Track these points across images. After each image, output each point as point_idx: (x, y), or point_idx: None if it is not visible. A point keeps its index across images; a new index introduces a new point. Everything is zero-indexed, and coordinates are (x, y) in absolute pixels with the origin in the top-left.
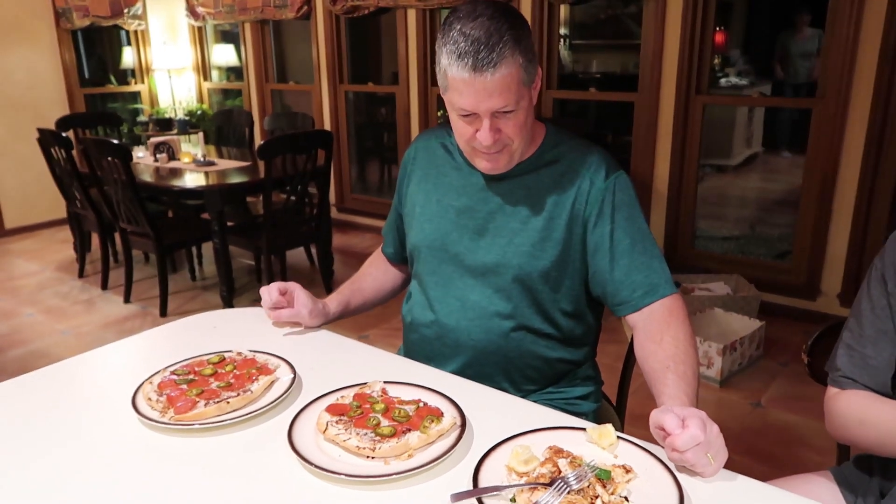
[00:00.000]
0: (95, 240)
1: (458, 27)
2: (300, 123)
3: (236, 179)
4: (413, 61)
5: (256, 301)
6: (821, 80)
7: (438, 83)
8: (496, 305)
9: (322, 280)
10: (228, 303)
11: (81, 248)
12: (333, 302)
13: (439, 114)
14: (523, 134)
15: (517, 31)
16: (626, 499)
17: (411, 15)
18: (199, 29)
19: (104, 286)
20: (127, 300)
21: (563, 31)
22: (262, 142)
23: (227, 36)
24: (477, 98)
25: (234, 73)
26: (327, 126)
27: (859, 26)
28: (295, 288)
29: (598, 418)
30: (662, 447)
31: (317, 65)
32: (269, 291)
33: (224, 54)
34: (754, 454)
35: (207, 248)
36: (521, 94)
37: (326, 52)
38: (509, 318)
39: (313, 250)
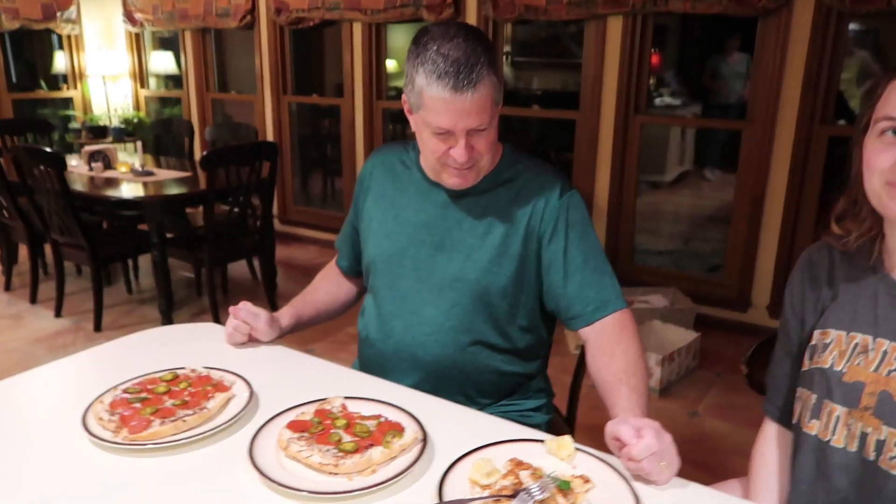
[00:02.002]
0: (22, 251)
1: (435, 48)
2: (243, 134)
3: (176, 190)
4: (358, 74)
5: (196, 315)
6: (749, 104)
7: (409, 102)
8: (452, 320)
9: (265, 293)
10: (168, 317)
11: (8, 259)
12: (285, 316)
13: (390, 127)
14: (492, 150)
15: (490, 52)
16: None
17: (357, 28)
18: (137, 35)
19: (33, 300)
20: (58, 314)
21: (506, 48)
22: (203, 152)
23: (166, 43)
24: (455, 117)
25: (173, 81)
26: (270, 137)
27: (784, 55)
28: (246, 306)
29: (550, 430)
30: (618, 457)
31: (260, 75)
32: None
33: (162, 61)
34: (692, 462)
35: (144, 260)
36: (493, 113)
37: (270, 63)
38: (466, 333)
39: (255, 263)
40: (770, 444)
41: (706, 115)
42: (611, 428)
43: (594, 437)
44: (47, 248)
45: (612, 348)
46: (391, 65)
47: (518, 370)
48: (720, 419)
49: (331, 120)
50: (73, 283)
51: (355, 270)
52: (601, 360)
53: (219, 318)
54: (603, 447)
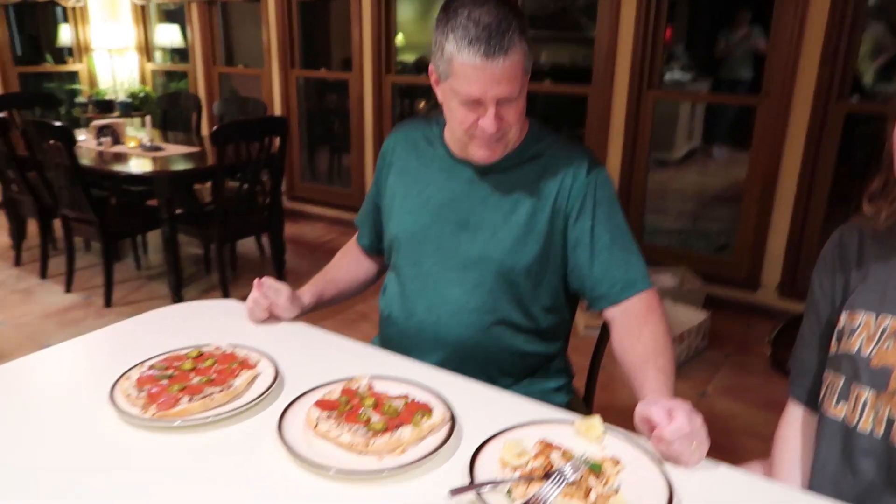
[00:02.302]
0: (31, 226)
1: (466, 13)
2: (251, 109)
3: (185, 166)
4: (367, 48)
5: (205, 292)
6: (765, 78)
7: (437, 71)
8: (476, 300)
9: (274, 270)
10: (177, 293)
11: (18, 234)
12: (307, 294)
13: (399, 102)
14: (520, 122)
15: (521, 19)
16: (616, 490)
17: (365, 0)
18: (142, 7)
19: (43, 275)
20: (68, 289)
21: None
22: (213, 127)
23: (172, 15)
24: (486, 85)
25: (179, 54)
26: (278, 112)
27: (802, 28)
28: (268, 281)
29: (570, 410)
30: (648, 439)
31: (267, 48)
32: (255, 297)
33: (168, 34)
34: None
35: (152, 237)
36: (524, 83)
37: (278, 36)
38: (489, 313)
39: (263, 240)
40: (794, 426)
41: (715, 90)
42: (641, 409)
43: (607, 417)
44: (55, 224)
45: (638, 329)
46: (399, 38)
47: (540, 350)
48: (730, 400)
49: (338, 95)
50: (81, 259)
51: (376, 248)
52: (627, 342)
53: (228, 295)
54: (621, 427)
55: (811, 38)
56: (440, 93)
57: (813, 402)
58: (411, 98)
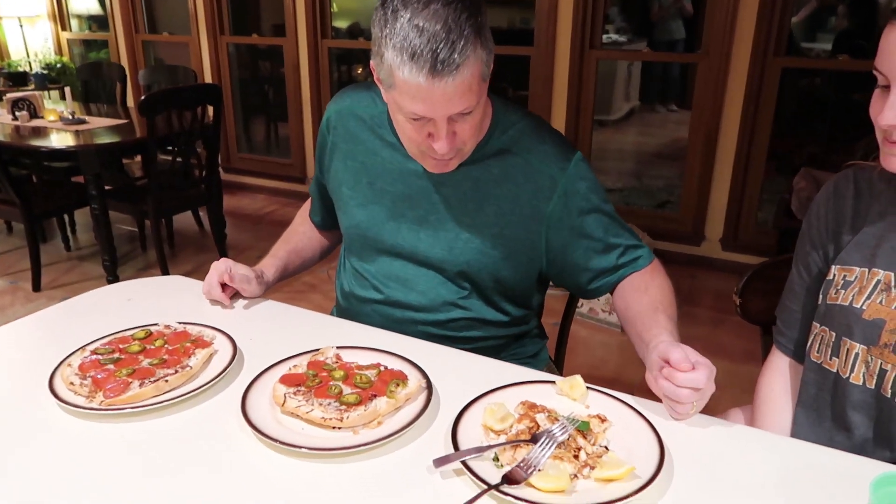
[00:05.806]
0: None
1: (407, 17)
2: (181, 77)
3: (113, 138)
4: (301, 11)
5: (143, 270)
6: (705, 36)
7: (378, 75)
8: (443, 297)
9: (215, 245)
10: (113, 273)
11: None
12: (270, 269)
13: (337, 68)
14: (478, 134)
15: (476, 16)
16: (606, 448)
17: None
18: None
19: None
20: None
21: None
22: (140, 98)
23: None
24: (434, 105)
25: (97, 22)
26: (209, 80)
27: None
28: (228, 264)
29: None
30: (653, 376)
31: (193, 14)
32: (212, 285)
33: (84, 1)
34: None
35: (81, 215)
36: (481, 91)
37: (205, 0)
38: (457, 310)
39: (202, 214)
40: (780, 376)
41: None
42: (666, 348)
43: None
44: None
45: (645, 286)
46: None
47: (513, 332)
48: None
49: (272, 62)
50: (3, 242)
51: (329, 225)
52: (633, 296)
53: (168, 273)
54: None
55: None
56: (384, 96)
57: (800, 352)
58: (349, 64)
